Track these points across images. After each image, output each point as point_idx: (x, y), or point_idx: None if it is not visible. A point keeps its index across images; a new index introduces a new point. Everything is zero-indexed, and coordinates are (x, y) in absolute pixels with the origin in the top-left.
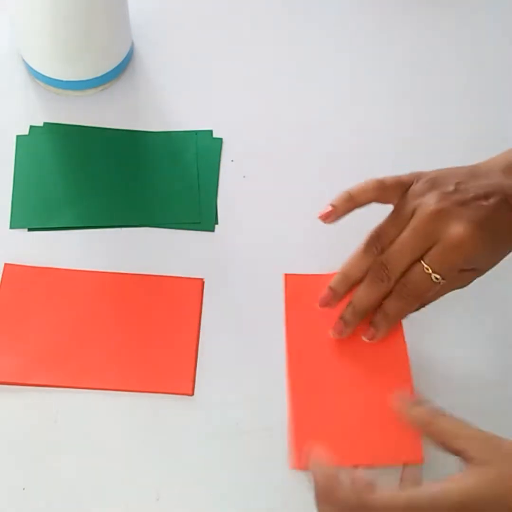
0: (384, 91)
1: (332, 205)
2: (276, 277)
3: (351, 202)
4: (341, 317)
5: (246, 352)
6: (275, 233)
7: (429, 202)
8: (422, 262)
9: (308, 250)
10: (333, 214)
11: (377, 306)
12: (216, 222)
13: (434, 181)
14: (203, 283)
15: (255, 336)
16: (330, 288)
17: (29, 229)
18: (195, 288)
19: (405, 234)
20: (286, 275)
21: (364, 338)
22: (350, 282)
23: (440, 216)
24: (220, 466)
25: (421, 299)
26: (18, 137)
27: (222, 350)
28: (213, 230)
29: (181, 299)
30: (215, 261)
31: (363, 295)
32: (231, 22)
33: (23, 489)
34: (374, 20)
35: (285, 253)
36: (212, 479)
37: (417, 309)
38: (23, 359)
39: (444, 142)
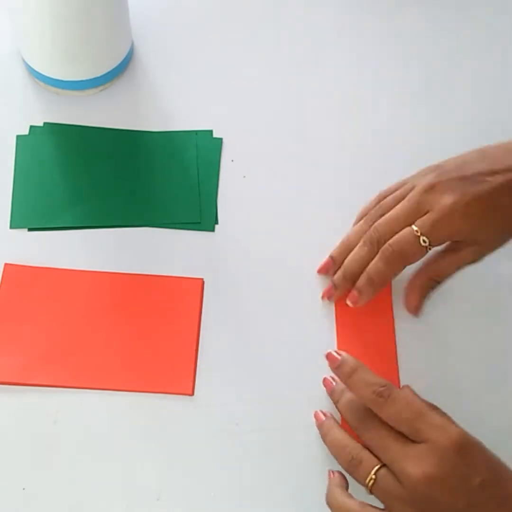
0: (387, 91)
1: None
2: (276, 277)
3: None
4: (332, 281)
5: (246, 352)
6: (275, 233)
7: (428, 178)
8: (413, 225)
9: (308, 250)
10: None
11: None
12: (216, 222)
13: (438, 165)
14: (203, 283)
15: (255, 336)
16: (331, 256)
17: (29, 229)
18: (195, 288)
19: (400, 204)
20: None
21: (347, 302)
22: (349, 251)
23: (435, 189)
24: (220, 466)
25: (405, 261)
26: (18, 137)
27: (222, 350)
28: (213, 230)
29: (181, 299)
30: (215, 261)
31: (352, 257)
32: (231, 22)
33: (23, 489)
34: (376, 19)
35: (285, 253)
36: (212, 479)
37: (433, 287)
38: (23, 359)
39: (451, 142)
